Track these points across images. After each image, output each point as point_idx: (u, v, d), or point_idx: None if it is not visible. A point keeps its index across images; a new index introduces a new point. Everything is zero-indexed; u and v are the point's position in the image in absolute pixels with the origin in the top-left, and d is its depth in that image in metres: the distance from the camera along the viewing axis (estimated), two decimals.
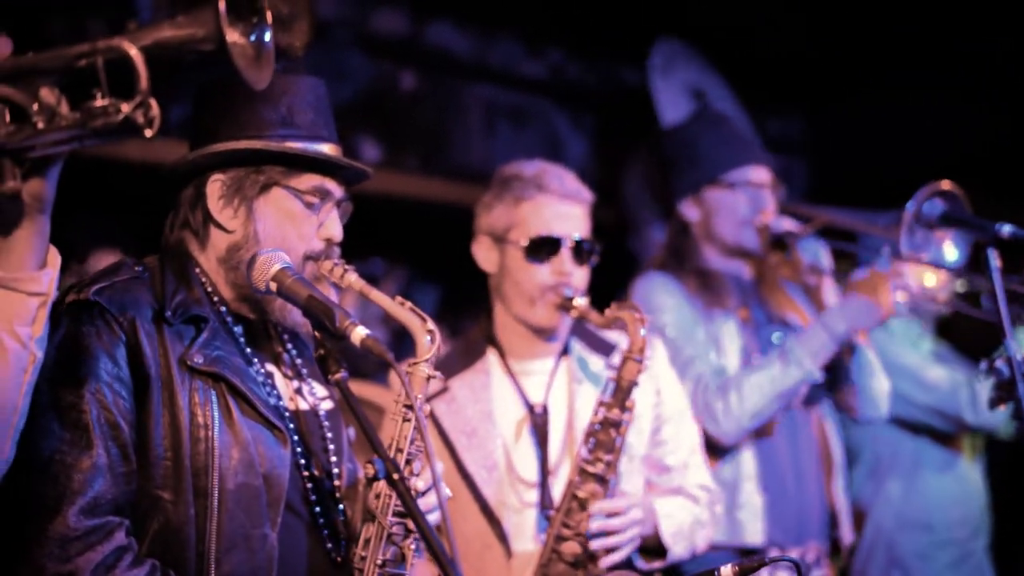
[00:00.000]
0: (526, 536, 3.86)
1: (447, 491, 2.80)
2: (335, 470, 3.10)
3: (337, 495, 3.08)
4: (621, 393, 3.80)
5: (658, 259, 4.90)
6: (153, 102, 2.16)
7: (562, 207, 3.94)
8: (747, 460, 4.53)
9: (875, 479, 5.49)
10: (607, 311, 3.87)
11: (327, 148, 3.02)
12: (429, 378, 2.98)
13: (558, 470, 3.91)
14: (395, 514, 2.92)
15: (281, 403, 3.01)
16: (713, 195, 4.74)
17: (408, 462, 2.93)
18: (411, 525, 2.92)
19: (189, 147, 3.02)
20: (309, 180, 2.97)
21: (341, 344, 2.73)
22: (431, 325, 2.99)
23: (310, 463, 3.03)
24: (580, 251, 3.93)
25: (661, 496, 3.99)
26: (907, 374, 5.32)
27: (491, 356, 4.05)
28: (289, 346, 3.17)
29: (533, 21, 7.63)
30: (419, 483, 2.95)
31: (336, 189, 3.03)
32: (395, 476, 2.59)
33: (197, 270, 2.98)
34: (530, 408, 3.98)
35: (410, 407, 2.95)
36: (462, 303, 6.63)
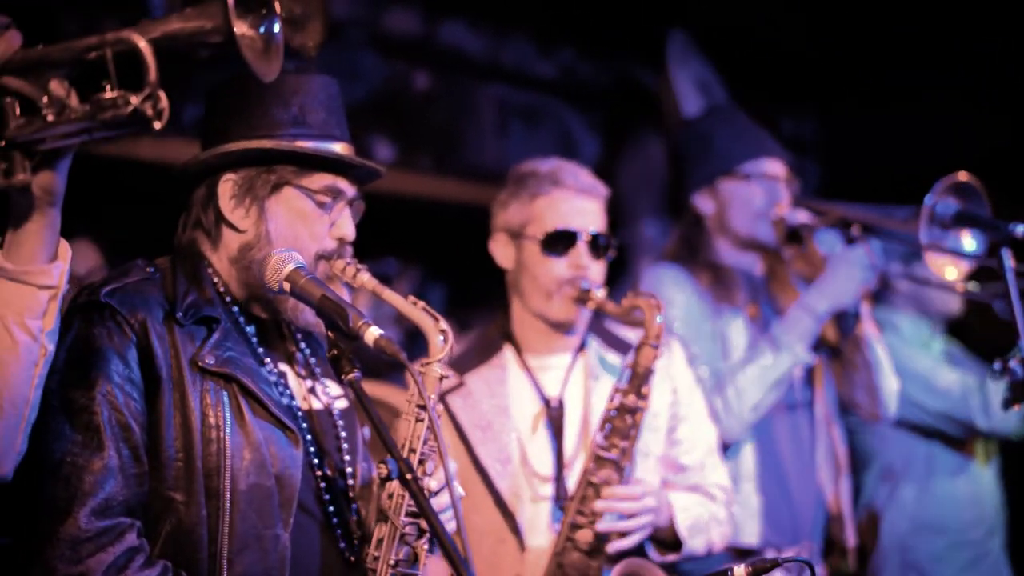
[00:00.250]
0: (540, 530, 3.86)
1: (460, 491, 2.80)
2: (349, 469, 3.09)
3: (351, 495, 3.08)
4: (637, 379, 3.80)
5: (670, 250, 4.88)
6: (162, 94, 2.16)
7: (578, 201, 3.95)
8: (747, 460, 4.52)
9: (888, 484, 5.48)
10: (624, 300, 3.88)
11: (339, 147, 3.02)
12: (442, 378, 2.98)
13: (573, 464, 3.91)
14: (408, 514, 2.91)
15: (294, 403, 3.01)
16: (728, 187, 4.73)
17: (421, 462, 2.92)
18: (424, 525, 2.91)
19: (201, 147, 3.02)
20: (321, 179, 2.97)
21: (354, 344, 2.73)
22: (444, 325, 2.99)
23: (323, 463, 3.02)
24: (596, 245, 3.93)
25: (677, 492, 3.98)
26: (918, 379, 5.31)
27: (507, 352, 4.06)
28: (303, 345, 3.16)
29: (545, 21, 7.63)
30: (432, 483, 2.94)
31: (348, 188, 3.02)
32: (408, 476, 2.58)
33: (209, 270, 2.98)
34: (546, 402, 3.98)
35: (423, 407, 2.94)
36: (474, 302, 6.63)
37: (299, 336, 3.16)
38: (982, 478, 5.53)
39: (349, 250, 3.03)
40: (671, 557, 3.88)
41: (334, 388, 3.18)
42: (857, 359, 4.69)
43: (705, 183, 4.77)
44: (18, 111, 2.29)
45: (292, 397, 3.02)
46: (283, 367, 3.06)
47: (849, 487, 4.85)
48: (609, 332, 4.08)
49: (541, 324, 4.01)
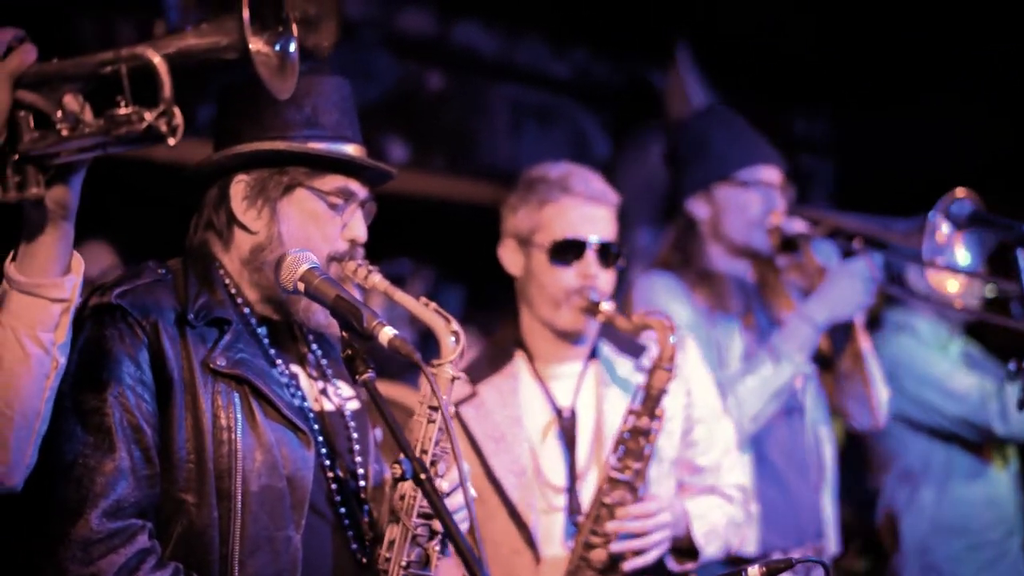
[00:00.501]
0: (554, 541, 3.84)
1: (472, 492, 2.79)
2: (360, 471, 3.08)
3: (362, 496, 3.07)
4: (651, 401, 3.76)
5: (662, 258, 4.82)
6: (176, 110, 2.17)
7: (587, 209, 3.89)
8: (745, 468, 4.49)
9: (908, 486, 5.47)
10: (634, 317, 3.84)
11: (351, 149, 3.01)
12: (454, 379, 2.97)
13: (586, 474, 3.88)
14: (420, 515, 2.91)
15: (306, 404, 3.00)
16: (724, 193, 4.67)
17: (433, 463, 2.91)
18: (436, 526, 2.91)
19: (213, 148, 3.02)
20: (333, 181, 2.97)
21: (369, 345, 2.73)
22: (455, 326, 2.98)
23: (335, 464, 3.02)
24: (606, 254, 3.88)
25: (694, 496, 3.97)
26: (936, 385, 5.30)
27: (519, 360, 4.02)
28: (314, 347, 3.16)
29: (559, 21, 7.63)
30: (443, 484, 2.94)
31: (360, 190, 3.02)
32: (422, 476, 2.58)
33: (221, 272, 2.98)
34: (558, 412, 3.94)
35: (434, 408, 2.94)
36: (489, 303, 6.63)
37: (311, 337, 3.15)
38: (1000, 481, 5.51)
39: (361, 252, 3.02)
40: (689, 566, 3.86)
41: (346, 389, 3.18)
42: (850, 370, 4.68)
43: (700, 188, 4.71)
44: (32, 125, 2.29)
45: (304, 398, 3.01)
46: (295, 368, 3.05)
47: (835, 493, 4.81)
48: (621, 336, 4.02)
49: (550, 333, 3.97)
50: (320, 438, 2.99)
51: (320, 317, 2.93)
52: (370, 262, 3.03)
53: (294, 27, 2.36)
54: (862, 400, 4.71)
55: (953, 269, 4.43)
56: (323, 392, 3.11)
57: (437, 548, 2.93)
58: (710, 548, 3.87)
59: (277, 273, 2.85)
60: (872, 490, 5.72)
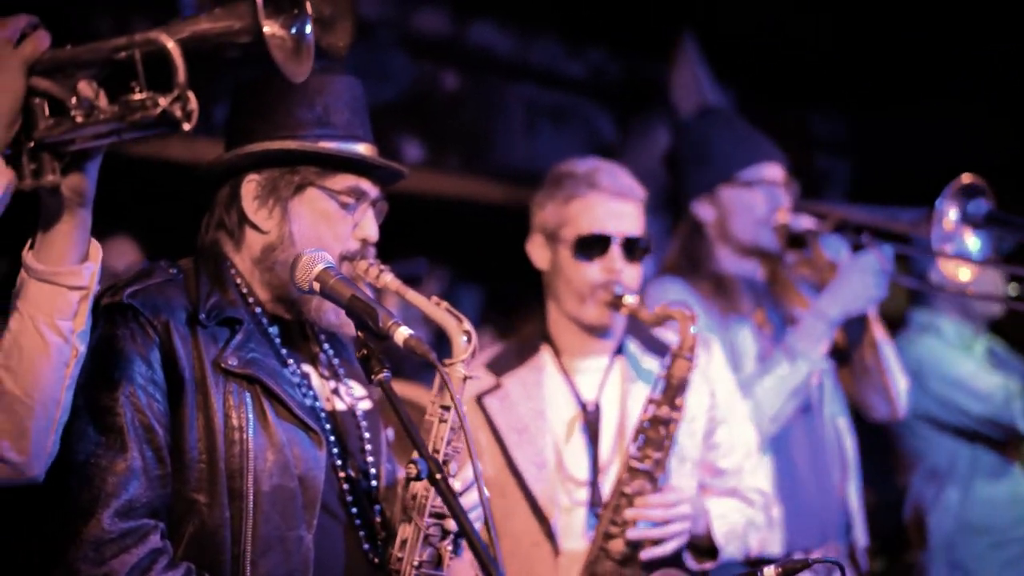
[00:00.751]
0: (575, 535, 3.84)
1: (486, 492, 2.79)
2: (372, 471, 3.08)
3: (374, 495, 3.07)
4: (671, 391, 3.76)
5: (670, 263, 4.80)
6: (191, 95, 2.16)
7: (613, 204, 3.91)
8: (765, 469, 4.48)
9: (934, 485, 5.47)
10: (657, 308, 3.84)
11: (362, 148, 3.01)
12: (465, 379, 2.97)
13: (608, 469, 3.87)
14: (432, 515, 2.91)
15: (318, 404, 3.00)
16: (729, 194, 4.66)
17: (445, 463, 2.91)
18: (448, 526, 2.91)
19: (224, 147, 3.02)
20: (344, 180, 2.96)
21: (383, 344, 2.72)
22: (467, 325, 2.98)
23: (347, 464, 3.02)
24: (631, 248, 3.90)
25: (715, 497, 3.97)
26: (960, 385, 5.31)
27: (545, 353, 4.03)
28: (326, 346, 3.15)
29: (574, 21, 7.63)
30: (455, 483, 2.94)
31: (371, 189, 3.01)
32: (437, 476, 2.57)
33: (232, 271, 2.98)
34: (582, 406, 3.95)
35: (446, 408, 2.94)
36: (505, 303, 6.63)
37: (322, 337, 3.15)
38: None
39: (372, 251, 3.02)
40: (708, 565, 3.85)
41: (357, 389, 3.17)
42: (867, 362, 4.67)
43: (704, 191, 4.71)
44: (47, 112, 2.29)
45: (315, 398, 3.01)
46: (306, 368, 3.05)
47: (860, 488, 4.80)
48: (647, 334, 4.04)
49: (576, 327, 3.98)
50: (332, 438, 2.98)
51: (331, 317, 2.93)
52: (383, 262, 3.02)
53: (308, 7, 2.35)
54: (881, 391, 4.72)
55: (964, 258, 4.43)
56: (335, 392, 3.11)
57: (449, 548, 2.93)
58: (729, 548, 3.86)
59: (292, 273, 2.84)
60: (889, 490, 5.72)
